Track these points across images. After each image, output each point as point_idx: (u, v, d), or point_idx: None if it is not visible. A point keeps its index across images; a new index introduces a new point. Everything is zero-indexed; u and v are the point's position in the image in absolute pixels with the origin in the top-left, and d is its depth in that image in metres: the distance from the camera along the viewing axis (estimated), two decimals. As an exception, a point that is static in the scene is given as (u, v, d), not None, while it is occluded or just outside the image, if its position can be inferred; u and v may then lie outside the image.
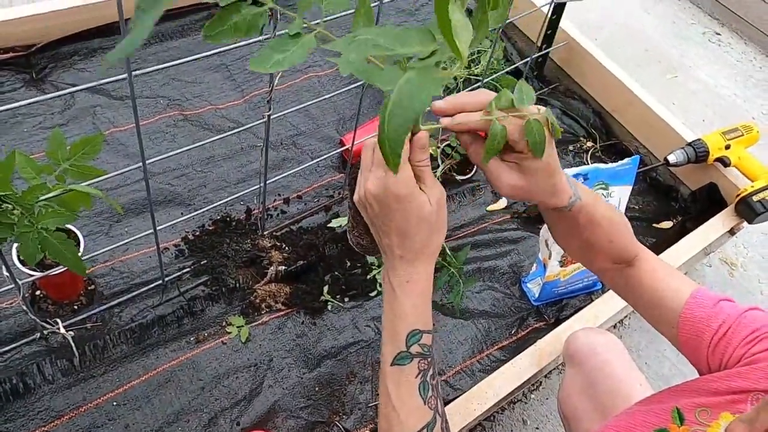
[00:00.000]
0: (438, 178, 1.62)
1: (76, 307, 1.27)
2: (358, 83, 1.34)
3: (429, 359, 0.67)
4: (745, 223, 1.65)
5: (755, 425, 0.56)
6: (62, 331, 1.16)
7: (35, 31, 1.61)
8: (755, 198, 1.57)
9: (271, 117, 1.13)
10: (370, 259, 1.43)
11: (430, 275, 0.67)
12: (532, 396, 1.54)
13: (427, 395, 0.66)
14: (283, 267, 1.39)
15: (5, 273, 1.05)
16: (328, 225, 1.48)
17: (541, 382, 1.56)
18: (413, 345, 0.66)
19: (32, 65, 1.60)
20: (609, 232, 0.77)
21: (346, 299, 1.39)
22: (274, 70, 0.55)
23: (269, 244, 1.43)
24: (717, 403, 0.72)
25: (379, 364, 0.87)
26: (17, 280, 1.05)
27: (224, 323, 1.29)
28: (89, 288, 1.30)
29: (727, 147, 1.67)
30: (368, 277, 1.43)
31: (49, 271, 1.11)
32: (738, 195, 1.62)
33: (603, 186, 1.37)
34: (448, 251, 1.45)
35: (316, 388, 1.25)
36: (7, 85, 1.54)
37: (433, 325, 1.40)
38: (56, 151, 0.95)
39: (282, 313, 1.34)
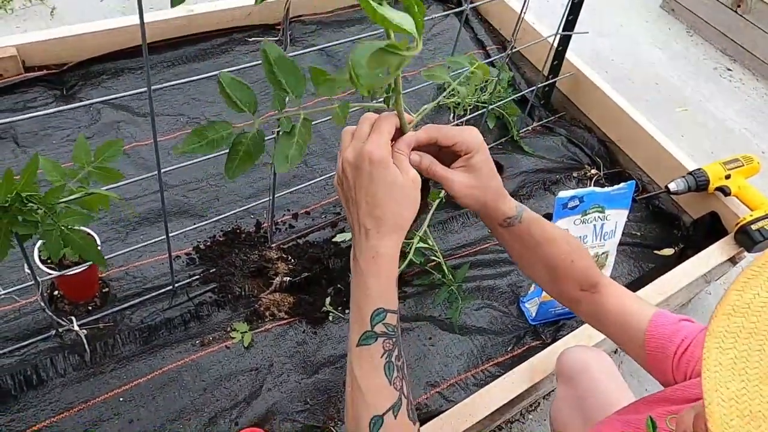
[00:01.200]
0: (441, 199, 1.68)
1: (90, 307, 1.34)
2: (367, 104, 1.41)
3: (394, 339, 0.68)
4: (745, 253, 1.67)
5: (700, 414, 0.60)
6: (76, 328, 1.23)
7: (68, 51, 1.72)
8: (754, 227, 1.60)
9: (275, 134, 1.21)
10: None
11: (396, 252, 0.68)
12: (530, 416, 1.56)
13: (392, 376, 0.67)
14: (288, 278, 1.45)
15: (27, 270, 1.13)
16: (333, 240, 1.53)
17: (539, 403, 1.58)
18: (377, 324, 0.67)
19: (64, 83, 1.71)
20: (567, 251, 0.81)
21: (347, 311, 1.44)
22: (291, 167, 0.62)
23: (276, 256, 1.49)
24: (683, 410, 0.76)
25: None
26: (37, 277, 1.13)
27: (229, 328, 1.35)
28: (104, 290, 1.37)
29: (728, 177, 1.70)
30: (370, 290, 1.48)
31: (66, 270, 1.19)
32: (737, 224, 1.64)
33: (599, 209, 1.41)
34: (447, 269, 1.50)
35: (314, 394, 1.29)
36: (40, 100, 1.65)
37: (430, 338, 1.44)
38: (81, 155, 1.03)
39: (284, 321, 1.39)
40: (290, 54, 1.16)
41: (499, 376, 1.33)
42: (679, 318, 0.83)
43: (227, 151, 0.69)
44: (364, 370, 0.67)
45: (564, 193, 1.35)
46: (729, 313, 0.52)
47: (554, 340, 1.47)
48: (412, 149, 0.71)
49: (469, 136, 0.71)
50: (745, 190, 1.68)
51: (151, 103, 1.00)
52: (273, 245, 1.52)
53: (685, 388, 0.78)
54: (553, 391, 1.55)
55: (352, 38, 1.30)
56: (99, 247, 1.24)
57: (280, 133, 0.66)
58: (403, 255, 1.38)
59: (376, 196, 0.66)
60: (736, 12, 2.73)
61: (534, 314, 1.51)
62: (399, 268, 1.31)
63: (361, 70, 0.51)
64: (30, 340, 1.25)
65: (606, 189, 1.37)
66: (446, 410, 1.24)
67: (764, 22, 2.65)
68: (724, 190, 1.70)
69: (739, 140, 2.45)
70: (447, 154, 0.73)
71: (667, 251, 1.78)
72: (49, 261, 1.23)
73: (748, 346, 0.49)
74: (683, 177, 1.72)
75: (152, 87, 0.98)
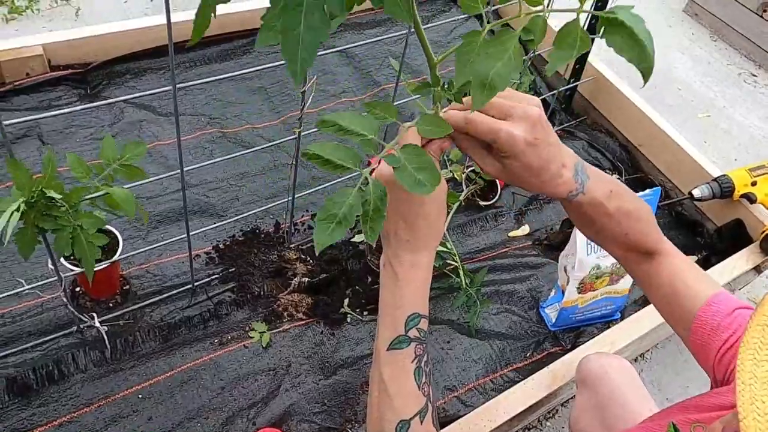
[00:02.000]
0: (461, 203, 1.67)
1: (111, 304, 1.35)
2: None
3: (424, 345, 0.69)
4: (771, 261, 1.64)
5: (728, 427, 0.59)
6: (97, 324, 1.23)
7: (92, 51, 1.74)
8: (780, 235, 1.57)
9: (303, 136, 1.21)
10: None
11: (431, 261, 0.70)
12: (548, 423, 1.54)
13: (421, 381, 0.67)
14: (307, 279, 1.45)
15: (50, 266, 1.14)
16: (351, 240, 1.53)
17: (557, 410, 1.56)
18: (411, 329, 0.67)
19: (88, 82, 1.73)
20: (625, 225, 0.75)
21: (365, 313, 1.44)
22: (371, 238, 0.59)
23: (295, 257, 1.49)
24: (711, 418, 0.74)
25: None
26: (60, 273, 1.14)
27: (247, 328, 1.35)
28: (124, 288, 1.38)
29: (754, 183, 1.67)
30: (388, 293, 1.47)
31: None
32: (763, 231, 1.61)
33: (622, 214, 1.39)
34: (465, 272, 1.48)
35: (331, 395, 1.29)
36: (64, 99, 1.67)
37: (448, 342, 1.43)
38: (108, 153, 1.04)
39: (303, 322, 1.39)
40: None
41: (518, 381, 1.32)
42: (736, 306, 0.76)
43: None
44: (394, 374, 0.67)
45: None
46: (765, 324, 0.50)
47: (574, 347, 1.46)
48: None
49: (506, 139, 0.64)
50: (772, 198, 1.65)
51: (176, 102, 1.00)
52: (292, 246, 1.52)
53: (718, 395, 0.76)
54: (571, 398, 1.53)
55: (372, 40, 1.29)
56: (120, 247, 1.25)
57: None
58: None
59: (411, 212, 0.67)
60: (761, 17, 2.69)
61: (554, 320, 1.49)
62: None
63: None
64: (52, 336, 1.26)
65: (629, 194, 1.35)
66: (464, 415, 1.23)
67: (791, 27, 2.61)
68: (750, 197, 1.67)
69: (763, 147, 2.41)
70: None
71: (691, 259, 1.75)
72: (72, 257, 1.24)
73: None
74: (707, 183, 1.69)
75: (176, 86, 0.99)
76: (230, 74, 1.14)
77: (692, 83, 2.65)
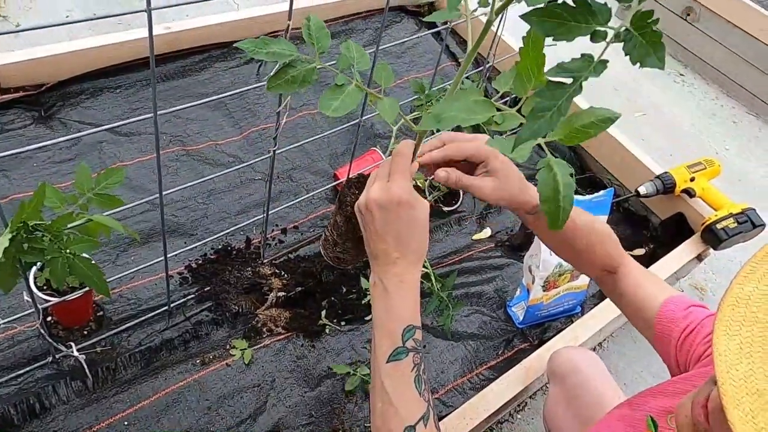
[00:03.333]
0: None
1: (85, 332, 1.32)
2: (353, 122, 1.44)
3: (421, 354, 0.74)
4: (711, 250, 1.77)
5: (698, 395, 0.67)
6: (76, 354, 1.21)
7: (45, 72, 1.70)
8: (719, 226, 1.70)
9: (272, 153, 1.23)
10: (365, 284, 1.52)
11: (419, 275, 0.76)
12: (519, 416, 1.62)
13: (421, 388, 0.72)
14: (283, 293, 1.47)
15: (26, 298, 1.12)
16: (325, 253, 1.56)
17: (526, 403, 1.64)
18: (408, 340, 0.72)
19: (41, 103, 1.68)
20: (590, 236, 0.88)
21: (343, 323, 1.47)
22: (335, 115, 0.67)
23: (269, 272, 1.51)
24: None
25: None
26: (38, 305, 1.11)
27: (228, 346, 1.36)
28: (98, 314, 1.36)
29: (692, 179, 1.81)
30: (363, 302, 1.51)
31: (65, 297, 1.18)
32: (703, 223, 1.75)
33: (580, 215, 1.49)
34: (435, 277, 1.54)
35: (317, 407, 1.32)
36: (18, 122, 1.62)
37: (424, 346, 1.48)
38: (83, 182, 1.03)
39: (282, 336, 1.41)
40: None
41: (493, 379, 1.39)
42: (690, 304, 0.89)
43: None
44: (396, 385, 0.71)
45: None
46: (733, 305, 0.59)
47: (541, 342, 1.54)
48: (437, 166, 0.79)
49: (481, 147, 0.78)
50: (709, 192, 1.79)
51: (157, 128, 1.01)
52: (265, 261, 1.53)
53: (684, 381, 0.84)
54: (539, 391, 1.61)
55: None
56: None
57: (333, 84, 0.70)
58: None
59: (401, 232, 0.73)
60: (685, 20, 2.89)
61: (521, 318, 1.57)
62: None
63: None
64: (26, 368, 1.23)
65: (587, 197, 1.45)
66: (447, 415, 1.28)
67: (712, 29, 2.81)
68: (690, 192, 1.80)
69: (694, 142, 2.59)
70: (462, 164, 0.81)
71: (639, 251, 1.87)
72: (44, 287, 1.22)
73: (751, 333, 0.56)
74: (652, 180, 1.82)
75: (157, 113, 1.00)
76: (214, 97, 1.14)
77: (627, 83, 2.81)
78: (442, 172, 0.78)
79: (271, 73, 0.67)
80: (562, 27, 0.50)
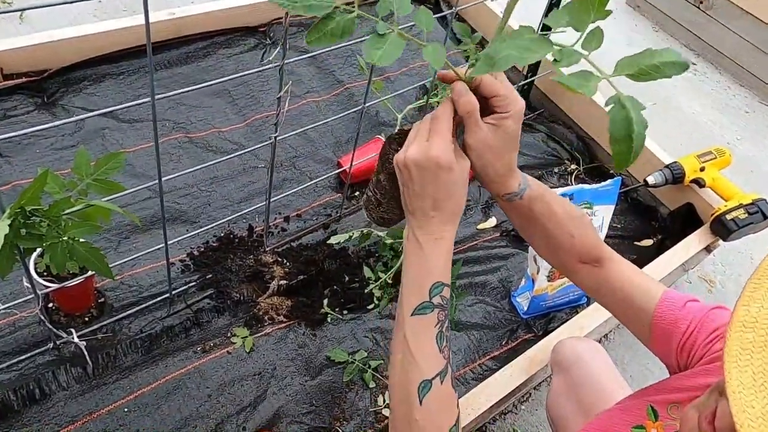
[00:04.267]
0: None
1: (86, 318, 1.32)
2: (356, 109, 1.42)
3: (446, 312, 0.73)
4: (720, 241, 1.74)
5: (705, 408, 0.64)
6: (76, 340, 1.21)
7: (47, 58, 1.69)
8: (728, 216, 1.67)
9: (273, 139, 1.22)
10: (368, 273, 1.50)
11: (454, 233, 0.75)
12: (522, 407, 1.60)
13: (442, 344, 0.72)
14: (285, 281, 1.46)
15: (26, 284, 1.11)
16: (327, 242, 1.55)
17: (530, 394, 1.62)
18: (435, 296, 0.72)
19: (44, 90, 1.68)
20: (568, 225, 0.83)
21: (345, 312, 1.46)
22: (381, 63, 0.65)
23: (271, 260, 1.50)
24: (685, 398, 0.80)
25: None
26: (37, 291, 1.11)
27: (229, 334, 1.35)
28: (99, 301, 1.36)
29: (702, 169, 1.77)
30: (365, 291, 1.50)
31: (65, 283, 1.18)
32: (713, 214, 1.72)
33: (587, 205, 1.46)
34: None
35: (318, 395, 1.31)
36: (21, 108, 1.62)
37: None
38: (81, 168, 1.02)
39: (284, 324, 1.40)
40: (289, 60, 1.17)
41: (496, 369, 1.37)
42: (686, 299, 0.85)
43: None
44: (418, 338, 0.72)
45: (555, 191, 1.39)
46: (741, 330, 0.54)
47: (546, 333, 1.52)
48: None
49: (517, 98, 0.73)
50: (719, 182, 1.76)
51: (155, 113, 1.00)
52: (267, 249, 1.52)
53: (688, 377, 0.82)
54: (543, 381, 1.60)
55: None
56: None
57: (374, 32, 0.68)
58: (398, 254, 1.41)
59: (439, 193, 0.71)
60: (698, 8, 2.83)
61: (526, 308, 1.55)
62: (394, 267, 1.33)
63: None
64: (27, 354, 1.23)
65: (594, 186, 1.42)
66: (448, 405, 1.27)
67: (725, 17, 2.76)
68: (699, 182, 1.77)
69: (707, 133, 2.55)
70: (483, 106, 0.73)
71: (647, 242, 1.84)
72: (45, 274, 1.22)
73: (762, 360, 0.52)
74: (660, 170, 1.79)
75: (155, 97, 0.98)
76: (214, 81, 1.13)
77: (638, 73, 2.76)
78: (461, 86, 0.72)
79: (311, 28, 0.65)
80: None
